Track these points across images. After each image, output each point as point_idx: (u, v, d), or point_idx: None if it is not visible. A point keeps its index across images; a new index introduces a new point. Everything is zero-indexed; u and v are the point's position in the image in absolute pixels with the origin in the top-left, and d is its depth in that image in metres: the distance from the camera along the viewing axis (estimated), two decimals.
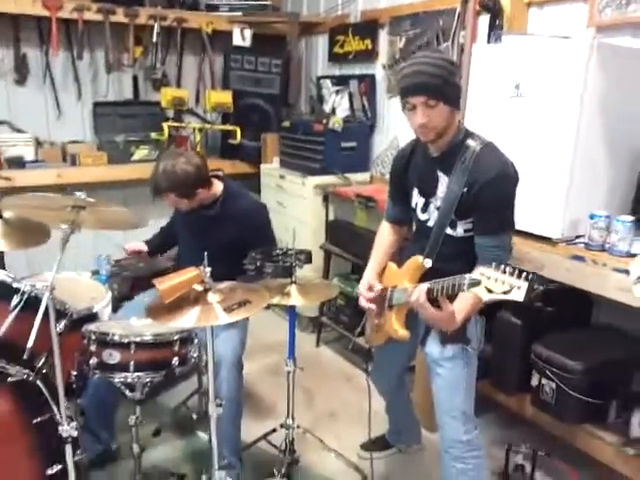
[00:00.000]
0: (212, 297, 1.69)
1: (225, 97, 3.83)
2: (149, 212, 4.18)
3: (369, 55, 3.58)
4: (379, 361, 2.20)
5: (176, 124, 3.79)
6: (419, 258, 1.78)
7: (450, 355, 1.79)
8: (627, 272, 1.80)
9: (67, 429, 1.69)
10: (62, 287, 1.92)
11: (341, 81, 3.83)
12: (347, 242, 3.13)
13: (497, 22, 2.64)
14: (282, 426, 2.19)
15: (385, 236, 2.09)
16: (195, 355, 2.00)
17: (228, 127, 3.87)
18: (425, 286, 1.60)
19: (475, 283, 1.41)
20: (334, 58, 3.91)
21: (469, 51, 2.85)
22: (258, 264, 1.91)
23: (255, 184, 4.12)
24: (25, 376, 1.76)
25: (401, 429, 2.46)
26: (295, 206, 3.57)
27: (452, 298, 1.63)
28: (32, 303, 1.77)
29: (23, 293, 1.76)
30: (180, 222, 2.58)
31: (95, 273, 3.07)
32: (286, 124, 3.82)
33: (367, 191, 3.09)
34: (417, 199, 1.89)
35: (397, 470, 2.40)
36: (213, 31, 3.93)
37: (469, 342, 1.81)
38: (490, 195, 1.66)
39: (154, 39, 3.76)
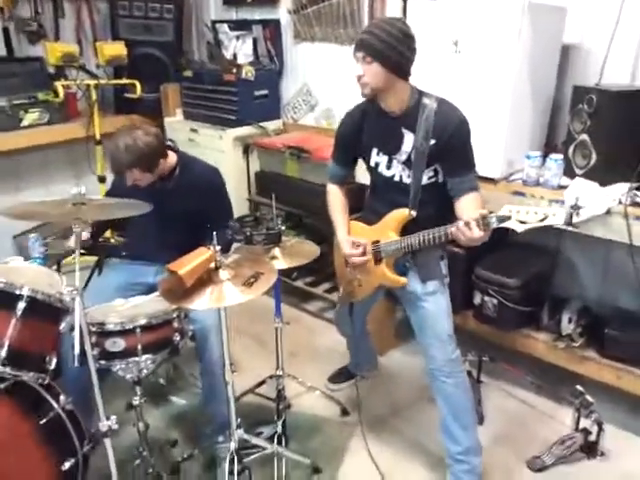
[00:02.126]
0: (223, 274, 1.75)
1: (119, 49, 3.58)
2: (48, 180, 3.95)
3: None
4: (349, 311, 2.36)
5: (68, 82, 3.50)
6: (404, 210, 1.98)
7: (431, 290, 2.04)
8: (562, 202, 2.16)
9: (106, 424, 1.69)
10: (20, 276, 1.84)
11: (241, 26, 3.75)
12: (278, 193, 3.19)
13: None
14: (271, 377, 2.35)
15: (339, 198, 2.24)
16: (191, 327, 2.05)
17: (125, 81, 3.66)
18: (473, 222, 1.73)
19: (505, 218, 1.66)
20: (230, 1, 3.80)
21: None
22: (247, 233, 1.97)
23: None
24: (41, 380, 1.71)
25: (362, 360, 2.73)
26: (212, 160, 3.51)
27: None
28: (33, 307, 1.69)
29: (28, 298, 1.66)
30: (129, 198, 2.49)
31: (27, 257, 2.85)
32: (188, 73, 3.71)
33: (294, 141, 3.17)
34: (378, 158, 2.05)
35: (365, 394, 2.68)
36: None
37: (444, 277, 2.08)
38: (459, 140, 1.89)
39: None
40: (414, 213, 1.99)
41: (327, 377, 2.77)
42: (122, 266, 2.47)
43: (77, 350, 1.56)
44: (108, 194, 2.58)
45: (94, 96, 3.54)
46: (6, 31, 3.58)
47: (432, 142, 1.90)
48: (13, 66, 3.60)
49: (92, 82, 3.53)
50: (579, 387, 2.29)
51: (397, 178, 2.02)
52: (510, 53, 2.20)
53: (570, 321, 2.44)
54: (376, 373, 2.82)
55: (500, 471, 2.25)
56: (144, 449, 2.08)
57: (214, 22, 3.89)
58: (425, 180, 1.98)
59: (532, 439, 2.41)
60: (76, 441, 1.93)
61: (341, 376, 2.77)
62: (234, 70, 3.43)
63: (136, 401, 2.00)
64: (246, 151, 3.43)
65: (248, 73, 3.39)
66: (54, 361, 1.76)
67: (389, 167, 2.03)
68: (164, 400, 2.64)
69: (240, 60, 3.73)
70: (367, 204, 2.23)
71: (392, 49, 1.81)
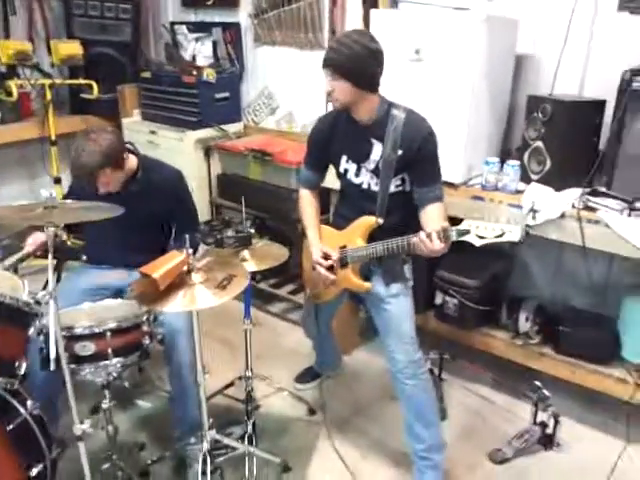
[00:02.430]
0: (195, 277, 1.76)
1: (74, 48, 3.51)
2: (2, 180, 3.82)
3: (231, 2, 3.55)
4: (315, 313, 2.42)
5: (22, 81, 3.40)
6: (371, 218, 2.04)
7: (394, 292, 2.10)
8: (520, 207, 2.26)
9: (80, 428, 1.67)
10: None
11: (200, 28, 3.73)
12: (241, 195, 3.19)
13: None
14: (240, 378, 2.36)
15: (312, 204, 2.28)
16: (160, 331, 2.04)
17: (82, 81, 3.58)
18: (435, 234, 1.81)
19: (464, 232, 1.73)
20: (189, 3, 3.78)
21: (342, 5, 3.07)
22: (218, 236, 1.98)
23: None
24: (10, 385, 1.67)
25: (327, 360, 2.78)
26: (172, 162, 3.48)
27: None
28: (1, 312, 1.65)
29: None
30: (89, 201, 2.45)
31: None
32: (146, 74, 3.67)
33: (257, 144, 3.19)
34: (347, 165, 2.10)
35: (331, 393, 2.72)
36: None
37: (407, 280, 2.14)
38: (427, 151, 1.96)
39: None
40: (381, 221, 2.04)
41: (293, 377, 2.80)
42: (86, 270, 2.44)
43: (53, 354, 1.53)
44: (66, 198, 2.53)
45: (49, 96, 3.46)
46: None
47: (400, 152, 1.96)
48: None
49: (47, 82, 3.44)
50: (537, 382, 2.40)
51: (365, 185, 2.08)
52: (469, 62, 2.29)
53: (527, 320, 2.56)
54: (340, 372, 2.87)
55: (463, 465, 2.33)
56: (113, 452, 2.06)
57: (172, 23, 3.86)
58: (392, 188, 2.03)
59: (493, 433, 2.50)
60: (44, 446, 1.89)
61: (307, 376, 2.81)
62: (194, 72, 3.42)
63: (105, 404, 1.98)
64: (207, 153, 3.42)
65: (209, 75, 3.39)
66: (24, 366, 1.73)
67: (357, 175, 2.08)
68: (130, 403, 2.61)
69: (199, 62, 3.71)
70: (336, 209, 2.28)
71: (359, 66, 1.86)
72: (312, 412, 2.61)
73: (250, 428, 2.26)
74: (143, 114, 3.75)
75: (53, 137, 3.55)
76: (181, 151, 3.42)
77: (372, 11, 2.45)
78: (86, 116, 3.84)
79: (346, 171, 2.11)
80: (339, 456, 2.36)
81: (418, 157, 1.95)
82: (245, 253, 2.10)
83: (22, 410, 1.86)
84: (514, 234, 1.76)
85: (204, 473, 2.00)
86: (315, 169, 2.24)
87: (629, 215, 2.08)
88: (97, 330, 1.82)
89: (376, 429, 2.54)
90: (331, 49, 1.89)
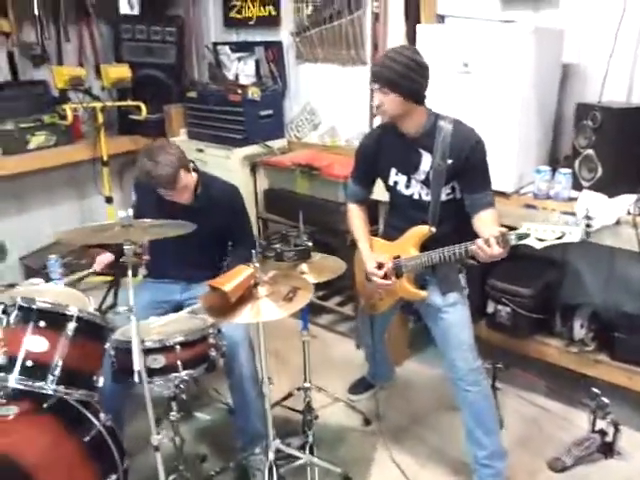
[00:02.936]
0: (261, 290, 1.81)
1: (123, 72, 3.64)
2: (51, 202, 3.97)
3: (272, 22, 3.64)
4: (370, 324, 2.46)
5: (76, 105, 3.54)
6: (424, 227, 2.07)
7: (452, 302, 2.12)
8: (573, 214, 2.27)
9: (157, 438, 1.74)
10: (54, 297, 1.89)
11: (242, 47, 3.84)
12: (289, 209, 3.27)
13: None
14: (299, 389, 2.41)
15: (361, 217, 2.33)
16: (224, 343, 2.10)
17: (131, 103, 3.71)
18: (493, 239, 1.83)
19: (524, 235, 1.76)
20: (231, 23, 3.89)
21: (384, 20, 3.13)
22: (278, 250, 2.04)
23: None
24: (90, 398, 1.75)
25: (380, 370, 2.80)
26: None
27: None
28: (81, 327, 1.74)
29: (77, 318, 1.71)
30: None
31: (47, 278, 2.87)
32: (192, 94, 3.78)
33: (303, 159, 3.25)
34: (397, 178, 2.14)
35: (385, 403, 2.73)
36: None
37: (463, 289, 2.17)
38: (476, 158, 1.99)
39: (35, 10, 3.41)
40: (434, 229, 2.08)
41: (347, 388, 2.83)
42: (147, 285, 2.52)
43: (137, 367, 1.60)
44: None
45: (101, 118, 3.58)
46: (11, 56, 3.61)
47: (449, 162, 2.00)
48: (18, 90, 3.64)
49: (99, 104, 3.57)
50: (595, 389, 2.38)
51: (416, 196, 2.12)
52: (518, 73, 2.31)
53: (582, 327, 2.55)
54: (393, 383, 2.89)
55: (524, 473, 2.33)
56: (179, 463, 2.12)
57: (215, 44, 3.97)
58: (443, 197, 2.07)
59: (550, 441, 2.49)
60: (117, 457, 1.97)
61: (360, 387, 2.84)
62: (239, 91, 3.51)
63: (173, 417, 2.05)
64: (253, 170, 3.50)
65: (254, 94, 3.47)
66: (101, 379, 1.80)
67: (408, 186, 2.12)
68: (189, 416, 2.66)
69: (242, 81, 3.81)
70: (387, 221, 2.33)
71: (406, 79, 1.91)
72: (367, 422, 2.63)
73: (311, 438, 2.30)
74: (189, 133, 3.86)
75: (105, 158, 3.67)
76: (228, 168, 3.50)
77: (418, 26, 2.49)
78: (134, 136, 3.96)
79: (396, 183, 2.15)
80: (397, 466, 2.38)
81: (468, 165, 1.99)
82: (303, 266, 2.16)
83: (96, 422, 1.95)
84: (574, 235, 1.77)
85: None
86: (363, 184, 2.29)
87: None
88: (167, 343, 1.89)
89: (433, 438, 2.55)
90: (380, 64, 1.95)
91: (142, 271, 3.31)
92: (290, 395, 2.52)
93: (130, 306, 1.61)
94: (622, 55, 2.47)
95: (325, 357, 3.14)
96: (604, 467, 2.37)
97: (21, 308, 1.69)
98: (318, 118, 3.66)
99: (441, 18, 2.63)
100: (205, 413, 2.68)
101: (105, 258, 2.53)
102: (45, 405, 1.88)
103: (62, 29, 3.67)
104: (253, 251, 2.05)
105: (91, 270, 2.47)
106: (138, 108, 3.71)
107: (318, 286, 3.25)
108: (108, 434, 1.96)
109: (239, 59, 3.83)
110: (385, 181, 2.17)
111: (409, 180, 2.11)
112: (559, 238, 1.81)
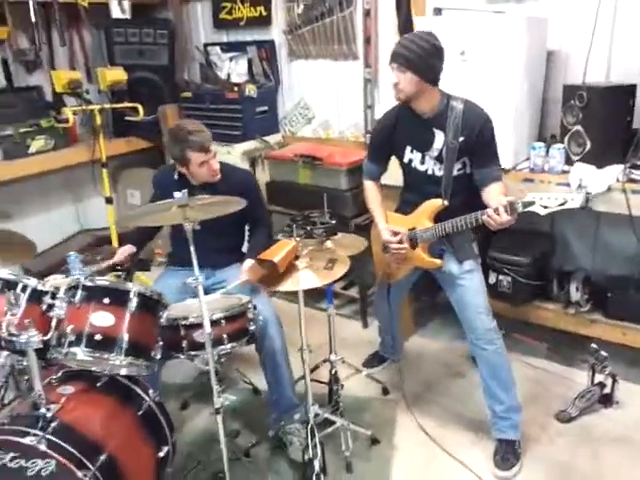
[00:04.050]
0: (301, 263, 1.97)
1: (119, 74, 3.71)
2: (44, 205, 4.00)
3: (263, 21, 3.79)
4: (387, 293, 2.63)
5: (76, 108, 3.60)
6: (438, 200, 2.26)
7: (468, 269, 2.31)
8: (568, 184, 2.49)
9: (220, 401, 1.87)
10: None
11: (234, 47, 3.97)
12: (291, 199, 3.41)
13: None
14: (325, 361, 2.56)
15: (375, 192, 2.51)
16: (261, 318, 2.24)
17: (128, 105, 3.79)
18: (502, 207, 2.01)
19: (529, 203, 1.95)
20: (221, 25, 4.02)
21: (375, 16, 3.31)
22: (308, 228, 2.18)
23: (156, 158, 4.14)
24: (151, 370, 1.87)
25: (392, 344, 2.96)
26: None
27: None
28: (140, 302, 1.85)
29: (137, 294, 1.82)
30: None
31: (68, 274, 2.93)
32: (187, 94, 3.89)
33: (305, 150, 3.40)
34: (411, 155, 2.32)
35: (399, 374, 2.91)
36: (90, 4, 3.73)
37: (477, 257, 2.36)
38: (485, 136, 2.19)
39: (32, 17, 3.47)
40: (446, 202, 2.27)
41: (361, 363, 2.99)
42: (172, 272, 2.62)
43: (207, 330, 1.73)
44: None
45: (99, 120, 3.65)
46: (5, 62, 3.65)
47: (461, 139, 2.19)
48: (14, 96, 3.68)
49: (97, 107, 3.64)
50: (593, 345, 2.61)
51: (430, 172, 2.30)
52: (511, 59, 2.53)
53: (577, 290, 2.78)
54: (403, 356, 3.07)
55: (535, 426, 2.53)
56: (226, 433, 2.24)
57: (206, 45, 4.09)
58: (455, 172, 2.26)
59: (554, 398, 2.70)
60: (167, 430, 2.09)
61: (374, 361, 3.01)
62: (235, 89, 3.64)
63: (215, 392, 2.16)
64: (252, 164, 3.63)
65: (251, 91, 3.61)
66: (159, 352, 1.91)
67: (422, 162, 2.30)
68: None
69: (234, 80, 3.94)
70: (402, 197, 2.50)
71: (423, 60, 2.09)
72: (386, 392, 2.81)
73: (341, 405, 2.45)
74: None
75: (104, 159, 3.73)
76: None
77: (416, 19, 2.69)
78: (129, 138, 4.05)
79: (411, 160, 2.33)
80: (421, 427, 2.55)
81: (478, 142, 2.18)
82: (328, 243, 2.31)
83: (146, 397, 2.06)
84: (576, 201, 1.98)
85: (307, 447, 2.19)
86: (379, 161, 2.46)
87: None
88: (213, 318, 2.01)
89: (448, 402, 2.73)
90: (400, 45, 2.12)
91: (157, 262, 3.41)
92: (316, 367, 2.66)
93: (197, 276, 1.74)
94: (600, 40, 2.70)
95: (336, 337, 3.28)
96: (604, 415, 2.60)
97: (85, 287, 1.79)
98: (312, 112, 3.81)
99: (438, 11, 2.83)
100: (231, 394, 2.79)
101: (127, 249, 2.61)
102: (98, 384, 2.00)
103: (58, 34, 3.71)
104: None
105: (110, 262, 2.55)
106: (135, 109, 3.78)
107: None
108: (158, 409, 2.07)
109: (231, 59, 3.96)
110: (400, 158, 2.35)
111: (423, 157, 2.29)
112: (562, 205, 2.01)
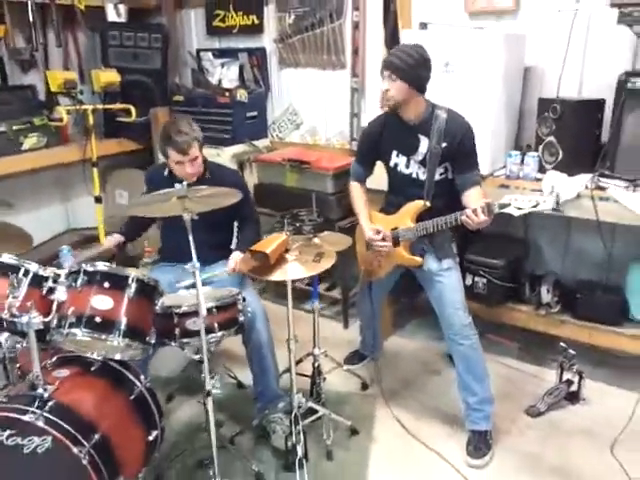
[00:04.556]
0: (290, 256, 2.09)
1: (113, 76, 3.81)
2: (33, 203, 4.06)
3: (255, 30, 3.92)
4: (369, 291, 2.76)
5: (70, 107, 3.68)
6: (420, 202, 2.40)
7: (446, 267, 2.45)
8: (541, 190, 2.65)
9: (211, 382, 1.97)
10: None
11: (225, 54, 4.09)
12: (278, 201, 3.52)
13: (391, 5, 3.25)
14: (308, 355, 2.67)
15: (361, 194, 2.65)
16: (249, 309, 2.34)
17: (121, 106, 3.88)
18: (479, 209, 2.15)
19: (505, 205, 2.09)
20: (214, 32, 4.14)
21: (363, 28, 3.47)
22: (297, 224, 2.31)
23: (146, 159, 4.23)
24: (146, 353, 1.97)
25: (372, 342, 3.08)
26: None
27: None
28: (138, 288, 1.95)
29: (136, 280, 1.92)
30: None
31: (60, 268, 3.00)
32: (178, 98, 3.99)
33: (293, 155, 3.53)
34: (397, 159, 2.47)
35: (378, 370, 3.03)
36: (87, 7, 3.83)
37: (455, 256, 2.51)
38: (467, 142, 2.35)
39: (30, 17, 3.56)
40: (428, 204, 2.41)
41: (342, 359, 3.11)
42: (163, 268, 2.72)
43: (203, 312, 1.84)
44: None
45: (91, 120, 3.73)
46: (0, 60, 3.72)
47: (444, 145, 2.34)
48: (8, 94, 3.75)
49: (90, 107, 3.72)
50: (562, 344, 2.76)
51: (414, 175, 2.45)
52: (491, 72, 2.69)
53: (548, 292, 2.93)
54: (381, 355, 3.19)
55: (506, 420, 2.67)
56: (207, 425, 2.33)
57: (199, 51, 4.21)
58: (437, 176, 2.41)
59: (524, 395, 2.85)
60: (157, 415, 2.18)
61: (354, 358, 3.13)
62: (227, 94, 3.76)
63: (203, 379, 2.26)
64: (241, 167, 3.75)
65: (242, 96, 3.73)
66: (154, 337, 2.00)
67: (407, 166, 2.45)
68: (201, 391, 2.86)
69: (225, 85, 4.05)
70: (386, 199, 2.64)
71: (412, 69, 2.25)
72: (365, 387, 2.93)
73: (323, 397, 2.56)
74: None
75: (95, 159, 3.82)
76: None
77: (403, 32, 2.84)
78: (120, 139, 4.13)
79: (396, 164, 2.47)
80: (397, 420, 2.67)
81: (459, 149, 2.34)
82: (316, 240, 2.43)
83: (138, 383, 2.16)
84: (547, 203, 2.14)
85: (290, 434, 2.30)
86: (366, 164, 2.61)
87: (633, 191, 2.48)
88: (206, 306, 2.11)
89: (424, 397, 2.87)
90: (392, 55, 2.29)
91: (143, 262, 3.50)
92: (300, 361, 2.77)
93: (194, 263, 1.85)
94: (573, 57, 2.89)
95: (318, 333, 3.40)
96: (571, 411, 2.75)
97: (86, 272, 1.89)
98: (300, 118, 3.95)
99: (424, 25, 2.99)
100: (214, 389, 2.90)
101: (115, 238, 2.70)
102: (92, 369, 2.09)
103: (55, 35, 3.80)
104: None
105: (100, 249, 2.64)
106: (127, 111, 3.88)
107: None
108: (149, 394, 2.17)
109: (222, 65, 4.07)
110: (387, 162, 2.49)
111: (408, 161, 2.43)
112: (534, 206, 2.17)
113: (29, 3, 3.53)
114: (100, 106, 3.81)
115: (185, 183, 1.92)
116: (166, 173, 2.65)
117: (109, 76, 3.81)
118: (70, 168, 4.04)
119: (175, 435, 2.61)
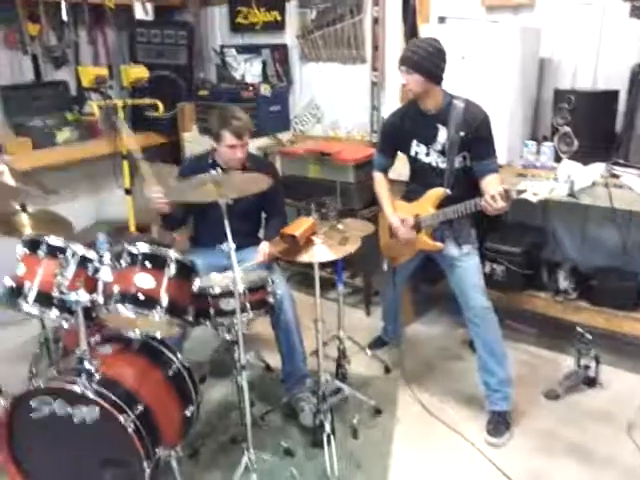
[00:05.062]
0: (317, 239, 2.21)
1: (142, 72, 3.93)
2: (69, 195, 4.19)
3: (278, 26, 4.04)
4: (393, 276, 2.87)
5: (101, 102, 3.82)
6: (441, 189, 2.50)
7: (466, 252, 2.56)
8: (557, 179, 2.73)
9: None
10: None
11: (248, 50, 4.21)
12: (301, 192, 3.63)
13: (410, 0, 3.35)
14: (334, 337, 2.78)
15: (384, 183, 2.76)
16: (278, 292, 2.46)
17: (149, 101, 4.02)
18: (498, 195, 2.23)
19: (522, 191, 2.18)
20: (237, 28, 4.27)
21: (383, 23, 3.57)
22: (323, 211, 2.42)
23: (172, 153, 4.37)
24: (188, 327, 2.11)
25: (393, 329, 3.20)
26: None
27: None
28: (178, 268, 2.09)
29: (176, 260, 2.06)
30: None
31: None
32: (204, 93, 4.12)
33: (315, 147, 3.65)
34: (417, 148, 2.57)
35: (400, 356, 3.15)
36: (115, 5, 3.98)
37: (475, 242, 2.61)
38: (484, 131, 2.44)
39: (64, 16, 3.71)
40: (449, 191, 2.51)
41: (367, 344, 3.22)
42: (195, 252, 2.83)
43: (240, 289, 1.96)
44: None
45: (121, 115, 3.88)
46: (35, 58, 3.88)
47: (462, 134, 2.44)
48: (42, 90, 3.91)
49: (120, 102, 3.86)
50: (579, 329, 2.85)
51: (434, 164, 2.55)
52: (507, 64, 2.79)
53: (565, 279, 3.01)
54: (402, 341, 3.29)
55: (524, 402, 2.76)
56: (242, 400, 2.46)
57: (222, 47, 4.33)
58: (457, 164, 2.51)
59: (542, 379, 2.93)
60: (193, 392, 2.31)
61: (377, 343, 3.25)
62: (251, 88, 3.88)
63: (237, 356, 2.38)
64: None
65: (266, 90, 3.85)
66: (192, 314, 2.13)
67: (427, 155, 2.55)
68: (231, 374, 2.98)
69: (248, 80, 4.18)
70: (408, 188, 2.74)
71: (428, 61, 2.35)
72: (388, 370, 3.04)
73: (348, 378, 2.68)
74: (200, 128, 4.19)
75: (125, 152, 3.96)
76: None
77: (422, 26, 2.94)
78: (148, 133, 4.28)
79: (417, 153, 2.58)
80: (419, 402, 2.78)
81: (477, 136, 2.43)
82: (340, 226, 2.54)
83: (175, 360, 2.28)
84: (563, 189, 2.23)
85: (318, 411, 2.42)
86: (387, 154, 2.72)
87: None
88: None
89: (446, 380, 2.97)
90: (408, 50, 2.39)
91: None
92: (325, 344, 2.87)
93: (229, 243, 1.97)
94: (588, 49, 2.97)
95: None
96: (588, 395, 2.83)
97: (130, 253, 2.02)
98: (321, 112, 4.07)
99: (442, 19, 3.08)
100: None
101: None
102: (134, 346, 2.22)
103: (87, 33, 3.96)
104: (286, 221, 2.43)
105: None
106: (155, 106, 4.01)
107: (327, 263, 3.68)
108: (186, 371, 2.30)
109: (245, 60, 4.20)
110: (407, 152, 2.59)
111: (428, 150, 2.53)
112: (550, 192, 2.25)
113: (63, 3, 3.68)
114: (129, 101, 3.95)
115: (219, 169, 2.04)
116: (210, 161, 2.74)
117: (138, 72, 3.93)
118: (100, 162, 4.19)
119: (208, 414, 2.73)
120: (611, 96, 2.82)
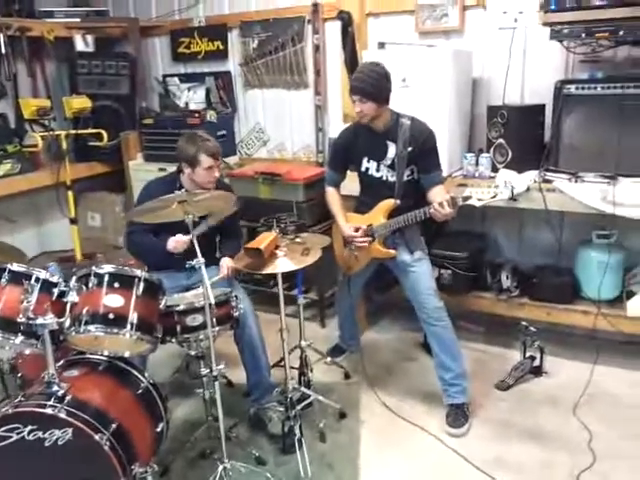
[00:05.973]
0: (280, 252, 2.31)
1: (84, 102, 3.95)
2: (12, 228, 4.10)
3: (220, 55, 4.16)
4: (348, 286, 3.00)
5: (44, 133, 3.80)
6: (391, 200, 2.67)
7: (418, 257, 2.72)
8: (497, 186, 2.95)
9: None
10: None
11: (191, 78, 4.31)
12: (253, 213, 3.70)
13: (349, 28, 3.55)
14: (295, 347, 2.86)
15: (337, 196, 2.91)
16: (241, 306, 2.53)
17: (93, 130, 4.02)
18: (445, 202, 2.41)
19: (467, 198, 2.37)
20: (179, 58, 4.35)
21: (323, 50, 3.75)
22: (282, 225, 2.53)
23: (118, 182, 4.37)
24: (154, 346, 2.13)
25: (351, 335, 3.31)
26: None
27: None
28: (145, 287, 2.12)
29: (143, 279, 2.09)
30: None
31: None
32: (148, 121, 4.16)
33: (265, 168, 3.75)
34: (368, 164, 2.74)
35: (359, 361, 3.23)
36: (55, 38, 3.98)
37: (425, 247, 2.78)
38: (429, 146, 2.64)
39: (2, 49, 3.69)
40: (399, 202, 2.68)
41: (326, 352, 3.31)
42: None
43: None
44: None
45: (65, 145, 3.87)
46: None
47: (409, 149, 2.62)
48: None
49: (64, 132, 3.86)
50: (524, 323, 3.06)
51: (384, 178, 2.71)
52: (443, 85, 3.02)
53: (507, 278, 3.23)
54: (359, 348, 3.40)
55: (478, 395, 2.92)
56: (209, 414, 2.50)
57: (165, 76, 4.40)
58: (405, 177, 2.68)
59: (493, 373, 3.11)
60: (162, 409, 2.32)
61: (336, 351, 3.35)
62: (196, 115, 3.96)
63: (203, 372, 2.42)
64: None
65: (211, 116, 3.94)
66: (160, 331, 2.17)
67: (378, 170, 2.72)
68: (191, 393, 2.99)
69: (192, 107, 4.26)
70: (359, 201, 2.89)
71: (377, 88, 2.53)
72: (348, 376, 3.14)
73: (312, 384, 2.76)
74: (146, 156, 4.22)
75: (69, 182, 3.93)
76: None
77: (364, 52, 3.13)
78: (91, 163, 4.27)
79: (367, 169, 2.74)
80: (382, 403, 2.89)
81: (423, 151, 2.62)
82: (298, 239, 2.64)
83: (143, 379, 2.30)
84: (505, 194, 2.44)
85: (287, 418, 2.48)
86: (338, 170, 2.87)
87: (575, 182, 2.82)
88: (203, 304, 2.29)
89: (405, 380, 3.11)
90: (357, 79, 2.55)
91: None
92: (290, 352, 2.95)
93: (199, 259, 2.03)
94: (514, 69, 3.25)
95: (296, 336, 3.58)
96: (536, 383, 3.04)
97: (96, 274, 2.05)
98: (267, 136, 4.19)
99: (382, 45, 3.30)
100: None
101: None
102: (100, 368, 2.23)
103: (26, 66, 3.94)
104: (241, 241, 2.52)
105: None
106: (99, 135, 4.03)
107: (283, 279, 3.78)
108: (154, 389, 2.32)
109: (189, 88, 4.28)
110: (358, 168, 2.75)
111: (379, 165, 2.70)
112: (493, 197, 2.47)
113: (0, 36, 3.66)
114: (73, 131, 3.94)
115: (184, 189, 2.11)
116: (177, 184, 2.73)
117: (81, 102, 3.95)
118: (43, 193, 4.14)
119: (173, 432, 2.71)
120: (538, 109, 3.09)
